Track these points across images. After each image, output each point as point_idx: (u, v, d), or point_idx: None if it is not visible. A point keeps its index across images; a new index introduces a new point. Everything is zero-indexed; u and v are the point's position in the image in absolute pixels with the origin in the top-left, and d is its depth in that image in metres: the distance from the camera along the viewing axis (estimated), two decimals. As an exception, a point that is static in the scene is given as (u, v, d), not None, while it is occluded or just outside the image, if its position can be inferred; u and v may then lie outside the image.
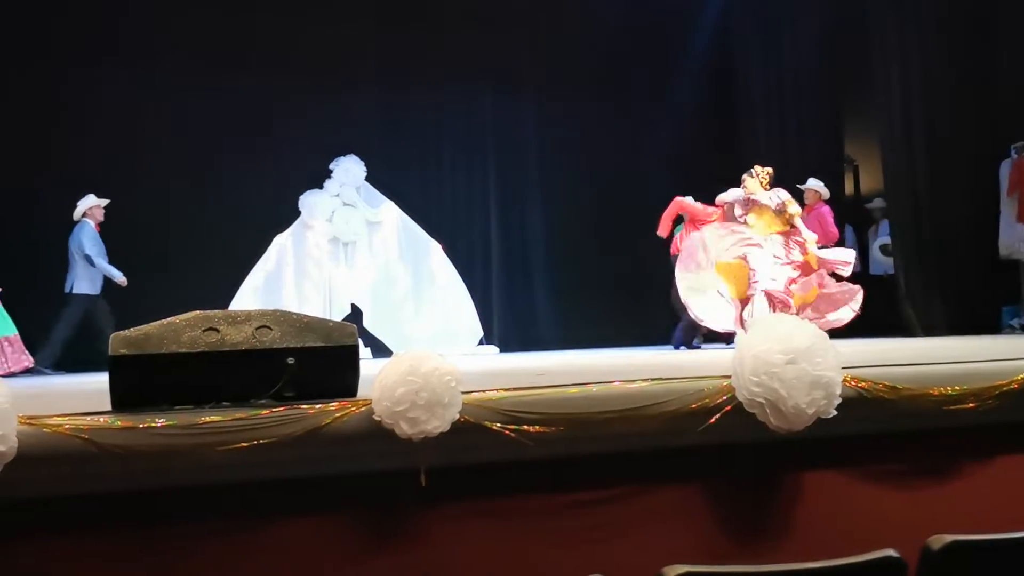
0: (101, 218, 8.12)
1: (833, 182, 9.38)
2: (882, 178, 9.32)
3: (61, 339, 7.80)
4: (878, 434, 2.85)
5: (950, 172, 8.33)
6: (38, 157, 8.33)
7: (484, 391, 2.53)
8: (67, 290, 7.96)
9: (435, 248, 9.41)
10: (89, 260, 7.88)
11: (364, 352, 8.31)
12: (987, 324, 7.82)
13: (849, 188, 10.44)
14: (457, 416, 2.39)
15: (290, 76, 9.08)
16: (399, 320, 9.28)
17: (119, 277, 7.96)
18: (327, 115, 9.23)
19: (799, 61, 9.80)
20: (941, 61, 8.36)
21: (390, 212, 9.40)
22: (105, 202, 8.13)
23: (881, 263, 9.74)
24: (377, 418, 2.36)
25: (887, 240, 9.42)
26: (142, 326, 2.50)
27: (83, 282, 7.94)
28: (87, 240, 7.91)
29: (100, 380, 2.63)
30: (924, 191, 8.47)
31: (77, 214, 8.01)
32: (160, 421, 2.25)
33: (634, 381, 2.68)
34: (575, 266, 9.88)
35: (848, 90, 9.76)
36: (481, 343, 9.25)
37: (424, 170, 9.91)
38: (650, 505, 2.66)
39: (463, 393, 2.42)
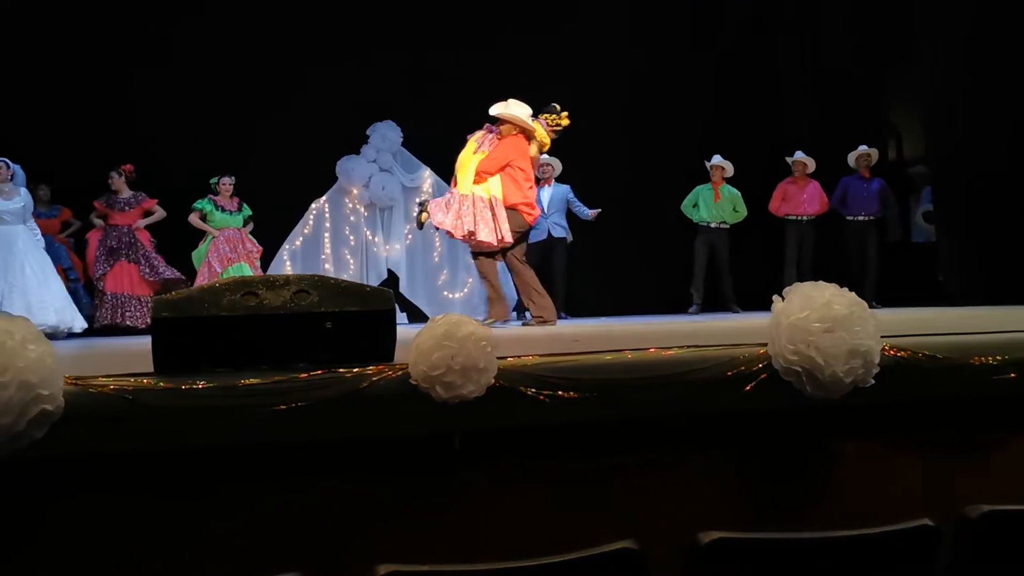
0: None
1: (876, 149, 9.26)
2: (925, 145, 9.14)
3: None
4: (916, 403, 2.82)
5: (995, 138, 8.15)
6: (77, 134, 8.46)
7: (519, 357, 2.54)
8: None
9: (471, 214, 9.38)
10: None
11: (400, 317, 8.37)
12: (1031, 294, 7.68)
13: (892, 155, 10.25)
14: (492, 381, 2.40)
15: (326, 40, 9.06)
16: (435, 286, 9.32)
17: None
18: (364, 80, 9.20)
19: (841, 26, 9.60)
20: (986, 23, 8.14)
21: (427, 178, 9.41)
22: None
23: (924, 230, 9.58)
24: (413, 382, 2.38)
25: (930, 207, 9.26)
26: (184, 290, 2.54)
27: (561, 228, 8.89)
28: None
29: (144, 342, 2.69)
30: (968, 158, 8.30)
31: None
32: (201, 383, 2.29)
33: (669, 348, 2.68)
34: (611, 233, 9.81)
35: (891, 55, 9.55)
36: (515, 309, 9.26)
37: (460, 136, 9.86)
38: (685, 471, 2.67)
39: (498, 358, 2.44)
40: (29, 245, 7.30)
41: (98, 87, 8.48)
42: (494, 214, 6.25)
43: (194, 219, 8.25)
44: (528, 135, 6.47)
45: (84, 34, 8.48)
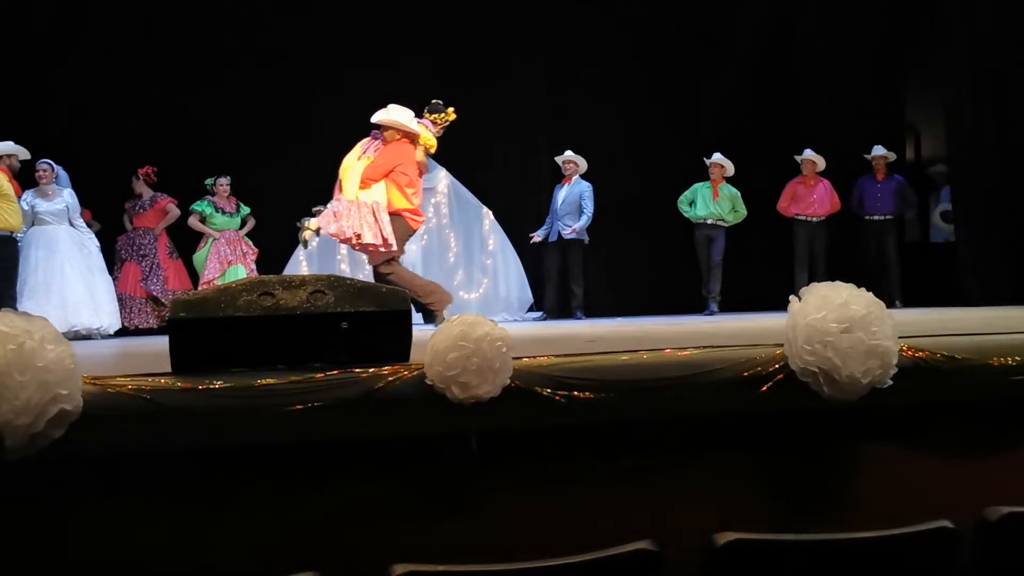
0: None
1: (894, 148, 9.20)
2: (945, 144, 9.08)
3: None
4: (935, 404, 2.80)
5: (1014, 137, 8.09)
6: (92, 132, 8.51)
7: (535, 357, 2.54)
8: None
9: (486, 215, 9.43)
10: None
11: (416, 317, 8.38)
12: (1052, 294, 7.62)
13: (910, 154, 10.19)
14: (508, 381, 2.40)
15: (343, 41, 9.09)
16: (450, 286, 9.32)
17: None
18: (379, 82, 9.22)
19: (860, 26, 9.54)
20: (1007, 20, 8.08)
21: (442, 179, 9.43)
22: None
23: (942, 230, 9.52)
24: (429, 382, 2.39)
25: (948, 207, 9.19)
26: (200, 290, 2.56)
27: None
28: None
29: (161, 342, 2.71)
30: (989, 156, 8.24)
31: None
32: (218, 383, 2.30)
33: (685, 349, 2.67)
34: (626, 233, 9.80)
35: (911, 54, 9.49)
36: (531, 310, 9.27)
37: (475, 137, 9.87)
38: (701, 473, 2.66)
39: (514, 359, 2.44)
40: (71, 246, 7.39)
41: (122, 89, 8.55)
42: (376, 219, 6.23)
43: (194, 222, 8.29)
44: (413, 139, 6.45)
45: (110, 34, 8.56)
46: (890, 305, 7.65)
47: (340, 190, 6.45)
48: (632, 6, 9.63)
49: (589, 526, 2.48)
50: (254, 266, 8.32)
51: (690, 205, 9.18)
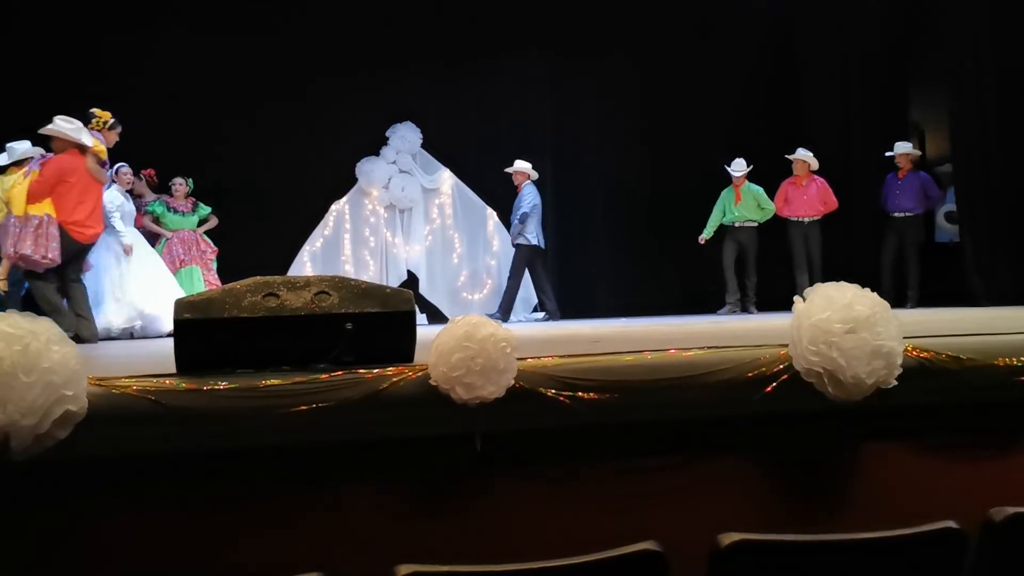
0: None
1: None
2: (949, 144, 9.06)
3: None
4: (940, 405, 2.80)
5: (1021, 136, 8.07)
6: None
7: (539, 358, 2.54)
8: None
9: (491, 215, 9.43)
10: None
11: (420, 318, 8.39)
12: (1058, 294, 7.60)
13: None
14: (512, 382, 2.40)
15: (348, 42, 9.10)
16: (454, 287, 9.34)
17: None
18: (384, 81, 9.25)
19: (864, 25, 9.53)
20: (1013, 20, 8.06)
21: (446, 179, 9.44)
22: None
23: (946, 231, 9.51)
24: (433, 383, 2.39)
25: (952, 207, 9.18)
26: (205, 291, 2.56)
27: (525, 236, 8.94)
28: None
29: (166, 344, 2.71)
30: (994, 156, 8.22)
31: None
32: (223, 384, 2.30)
33: (690, 349, 2.67)
34: (631, 234, 9.80)
35: (915, 53, 9.46)
36: (535, 310, 9.27)
37: (480, 137, 9.88)
38: (705, 473, 2.66)
39: (518, 359, 2.44)
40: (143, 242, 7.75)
41: (133, 88, 8.55)
42: (45, 232, 6.15)
43: (146, 222, 8.32)
44: (81, 149, 6.37)
45: (122, 30, 8.58)
46: (903, 305, 7.52)
47: (12, 209, 6.34)
48: (635, 8, 9.62)
49: (593, 526, 2.48)
50: (214, 265, 8.29)
51: (723, 214, 9.22)
